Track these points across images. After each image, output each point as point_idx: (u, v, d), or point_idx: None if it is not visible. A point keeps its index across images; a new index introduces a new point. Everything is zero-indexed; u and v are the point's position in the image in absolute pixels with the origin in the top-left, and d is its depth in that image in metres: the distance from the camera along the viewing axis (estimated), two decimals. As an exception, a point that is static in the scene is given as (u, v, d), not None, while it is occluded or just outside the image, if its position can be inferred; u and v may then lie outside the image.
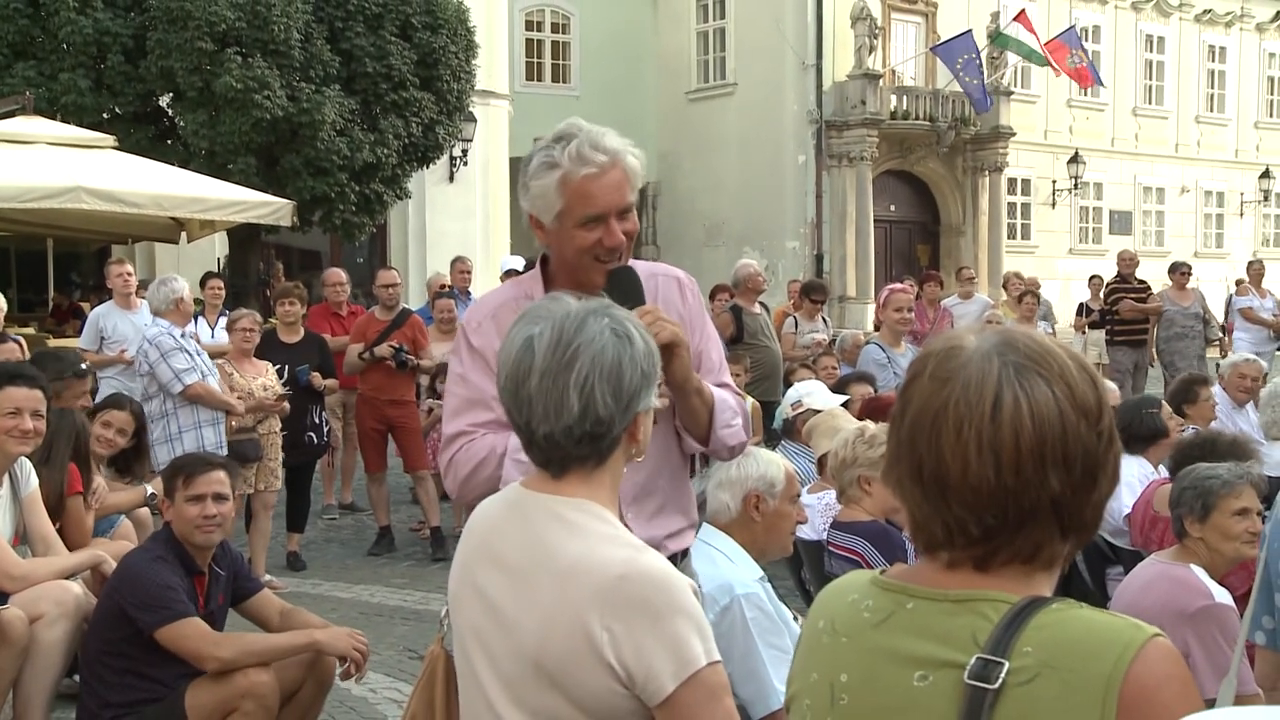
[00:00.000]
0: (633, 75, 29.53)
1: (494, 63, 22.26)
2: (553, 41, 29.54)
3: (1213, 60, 35.24)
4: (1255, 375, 7.85)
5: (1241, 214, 35.52)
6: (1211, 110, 35.23)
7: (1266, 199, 35.47)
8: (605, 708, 1.82)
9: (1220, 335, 14.71)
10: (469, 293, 11.63)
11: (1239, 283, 16.78)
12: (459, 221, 22.34)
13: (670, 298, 2.85)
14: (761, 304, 10.51)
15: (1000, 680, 1.35)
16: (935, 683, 1.41)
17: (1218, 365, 11.54)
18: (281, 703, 4.25)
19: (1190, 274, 14.54)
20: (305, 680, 4.37)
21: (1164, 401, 6.86)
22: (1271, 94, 36.38)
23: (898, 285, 8.86)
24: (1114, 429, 1.45)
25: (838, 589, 1.59)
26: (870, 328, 19.41)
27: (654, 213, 30.62)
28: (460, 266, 11.98)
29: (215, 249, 18.55)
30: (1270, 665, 2.38)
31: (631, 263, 2.76)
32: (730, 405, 2.84)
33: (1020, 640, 1.37)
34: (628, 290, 2.61)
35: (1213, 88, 35.32)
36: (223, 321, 9.56)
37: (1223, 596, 3.63)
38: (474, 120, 20.42)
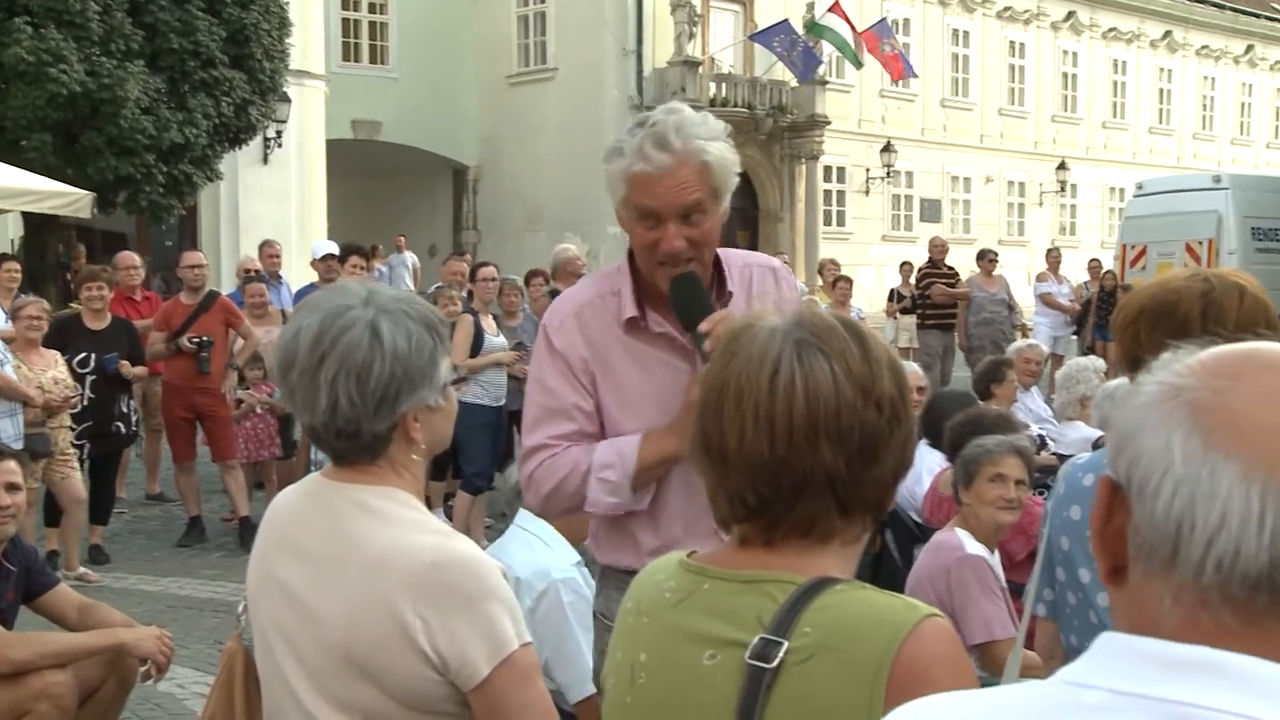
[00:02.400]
0: (452, 58, 29.19)
1: (309, 42, 21.72)
2: (370, 22, 28.96)
3: (1013, 55, 36.65)
4: (1038, 359, 8.48)
5: (1041, 203, 37.05)
6: (1013, 103, 36.64)
7: (1063, 189, 37.10)
8: (418, 695, 1.81)
9: (1024, 320, 15.30)
10: (280, 277, 11.35)
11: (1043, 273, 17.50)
12: (274, 204, 21.77)
13: (765, 288, 2.65)
14: (582, 288, 10.49)
15: (779, 659, 1.37)
16: (722, 662, 1.42)
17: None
18: (80, 701, 4.07)
19: (997, 260, 15.12)
20: (106, 679, 4.20)
21: (971, 390, 7.18)
22: (1066, 89, 38.01)
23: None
24: (901, 410, 1.46)
25: (650, 571, 1.61)
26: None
27: (475, 197, 30.40)
28: (269, 250, 11.67)
29: (9, 230, 17.70)
30: (1048, 636, 2.50)
31: (727, 253, 2.61)
32: None
33: (801, 620, 1.38)
34: (688, 302, 2.43)
35: (1014, 82, 36.74)
36: (18, 307, 9.11)
37: (974, 549, 3.81)
38: (288, 101, 19.89)
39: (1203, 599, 0.87)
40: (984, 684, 1.27)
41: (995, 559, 3.96)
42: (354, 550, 1.84)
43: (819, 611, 1.39)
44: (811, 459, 1.42)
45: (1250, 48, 42.42)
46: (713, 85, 28.11)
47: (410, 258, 21.10)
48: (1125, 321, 2.31)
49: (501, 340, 8.89)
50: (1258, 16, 42.30)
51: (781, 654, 1.37)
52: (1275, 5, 43.72)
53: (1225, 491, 0.85)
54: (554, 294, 9.86)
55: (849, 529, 1.48)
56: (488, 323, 8.92)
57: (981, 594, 3.76)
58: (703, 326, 2.36)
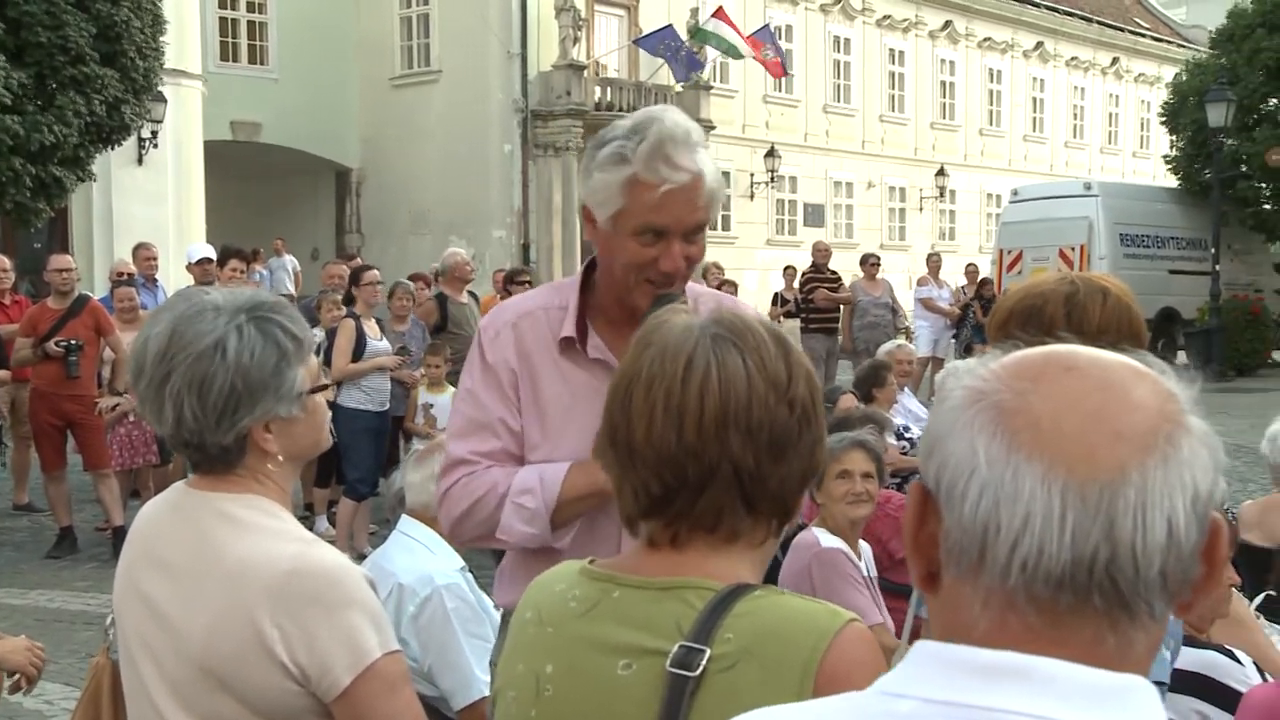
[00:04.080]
0: (334, 58, 28.77)
1: (185, 40, 21.21)
2: (249, 21, 28.40)
3: (893, 63, 37.30)
4: (909, 359, 8.87)
5: (921, 209, 37.74)
6: (893, 110, 37.29)
7: (942, 195, 37.84)
8: (279, 708, 1.77)
9: (907, 324, 15.54)
10: (156, 281, 11.07)
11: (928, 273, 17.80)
12: (149, 206, 21.20)
13: None
14: (471, 293, 10.43)
15: (701, 667, 1.36)
16: (639, 671, 1.40)
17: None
18: (-61, 721, 3.90)
19: (879, 265, 15.36)
20: (-32, 696, 4.02)
21: (853, 389, 7.30)
22: (944, 97, 38.81)
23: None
24: (812, 413, 1.47)
25: (546, 579, 1.58)
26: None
27: (358, 199, 30.00)
28: (145, 254, 11.38)
29: None
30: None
31: (693, 286, 2.41)
32: None
33: (722, 627, 1.37)
34: None
35: (894, 89, 37.38)
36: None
37: (829, 542, 3.89)
38: (164, 100, 19.42)
39: (1010, 601, 0.88)
40: None
41: (866, 551, 4.01)
42: (213, 560, 1.81)
43: (740, 618, 1.37)
44: (719, 450, 1.41)
45: (1116, 60, 43.76)
46: (598, 89, 28.12)
47: (291, 261, 20.77)
48: (996, 324, 2.36)
49: (384, 344, 8.77)
50: (1122, 30, 43.69)
51: (704, 661, 1.35)
52: (1139, 21, 45.19)
53: (1028, 493, 0.86)
54: (440, 298, 9.79)
55: (755, 530, 1.47)
56: (370, 327, 8.79)
57: (844, 585, 3.82)
58: None
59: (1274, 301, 23.05)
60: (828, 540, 3.93)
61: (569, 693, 1.45)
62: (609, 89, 28.39)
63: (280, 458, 1.88)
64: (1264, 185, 24.10)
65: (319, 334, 9.11)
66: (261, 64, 28.46)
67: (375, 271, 9.53)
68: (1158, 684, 2.14)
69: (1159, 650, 0.92)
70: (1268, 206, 24.54)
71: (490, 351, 2.34)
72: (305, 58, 28.02)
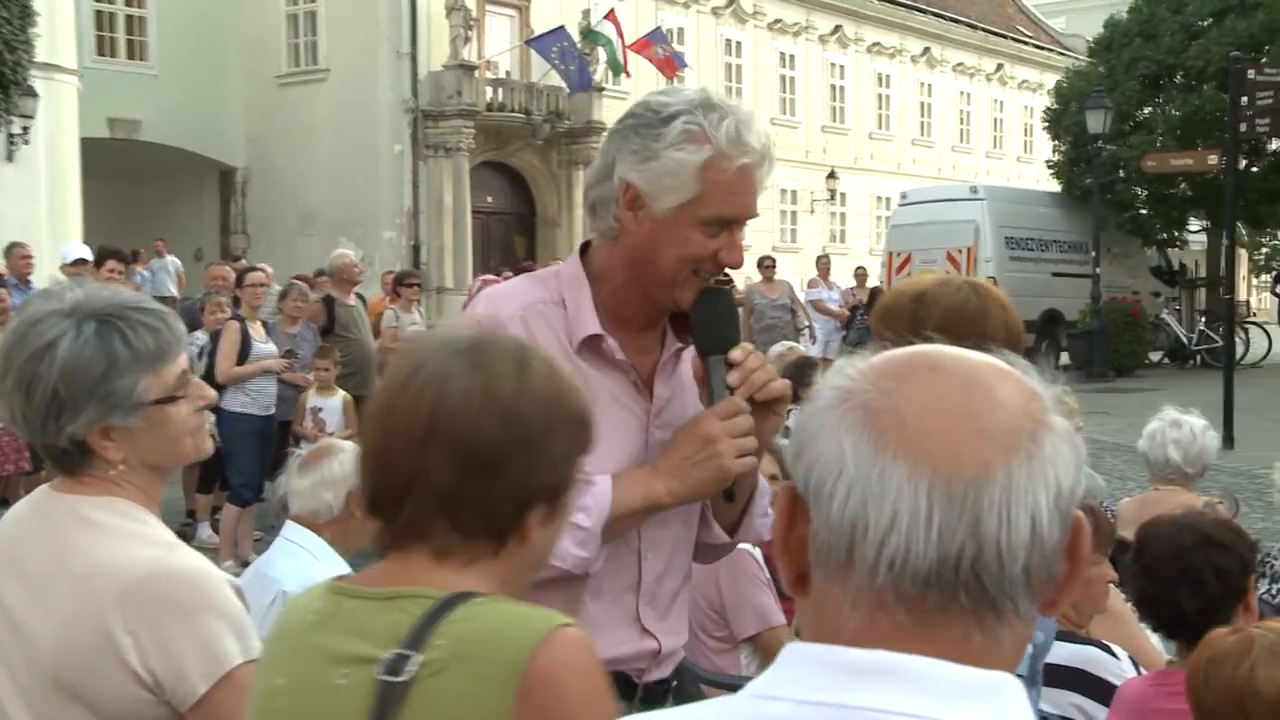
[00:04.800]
0: (217, 55, 28.20)
1: (58, 34, 20.61)
2: (127, 15, 27.74)
3: (784, 66, 37.70)
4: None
5: (812, 211, 38.18)
6: (784, 113, 37.67)
7: (833, 198, 38.32)
8: (132, 718, 1.73)
9: (807, 324, 15.67)
10: (29, 281, 10.76)
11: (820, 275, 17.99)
12: (20, 205, 20.54)
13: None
14: (359, 295, 10.30)
15: (410, 674, 1.35)
16: (354, 680, 1.38)
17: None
18: None
19: (775, 267, 15.48)
20: None
21: None
22: (834, 101, 39.32)
23: (490, 276, 8.92)
24: (538, 437, 1.43)
25: (301, 596, 1.57)
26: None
27: (244, 199, 29.46)
28: (20, 253, 11.05)
29: None
30: None
31: None
32: (765, 487, 2.23)
33: (435, 633, 1.36)
34: (722, 319, 2.04)
35: (785, 92, 37.78)
36: None
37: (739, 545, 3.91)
38: (35, 95, 18.86)
39: (879, 600, 0.89)
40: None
41: (757, 554, 4.04)
42: (67, 565, 1.76)
43: (454, 624, 1.37)
44: (420, 462, 1.40)
45: (1000, 66, 44.75)
46: (489, 90, 27.98)
47: (173, 262, 20.34)
48: (875, 324, 2.40)
49: (270, 347, 8.62)
50: (1005, 38, 44.70)
51: (413, 667, 1.34)
52: (1021, 29, 46.26)
53: (895, 491, 0.87)
54: (328, 300, 9.65)
55: (466, 547, 1.44)
56: (255, 329, 8.64)
57: (750, 586, 3.84)
58: (735, 354, 1.99)
59: (1151, 304, 23.74)
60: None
61: (294, 704, 1.45)
62: (500, 89, 28.27)
63: (122, 466, 1.83)
64: (1140, 190, 24.84)
65: (202, 336, 8.93)
66: (141, 60, 27.80)
67: (260, 273, 9.38)
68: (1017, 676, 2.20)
69: (1023, 647, 0.94)
70: (1144, 211, 25.28)
71: None
72: (187, 54, 27.43)
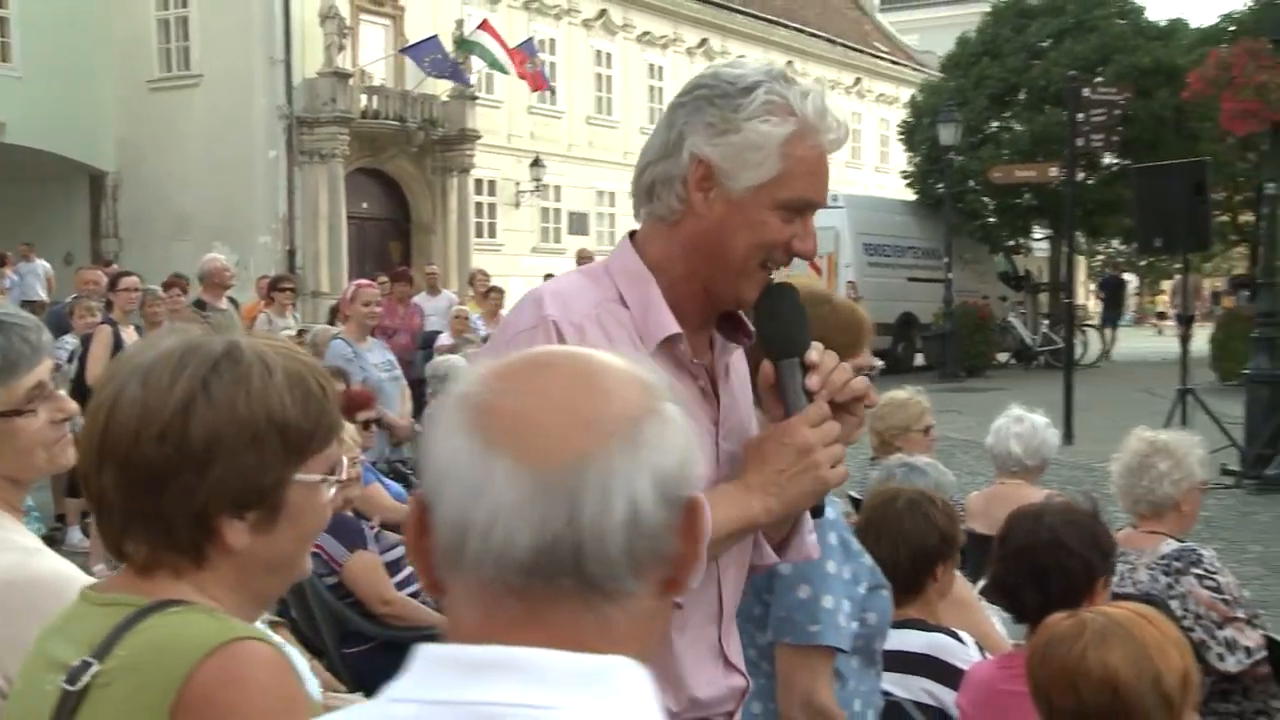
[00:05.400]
0: (86, 58, 27.27)
1: (-81, 35, 19.82)
2: (-11, 17, 26.74)
3: (653, 77, 37.89)
4: None
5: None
6: (653, 123, 37.41)
7: (701, 205, 38.59)
8: None
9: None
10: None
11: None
12: (-118, 209, 19.75)
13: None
14: (230, 299, 10.10)
15: (83, 683, 1.29)
16: (54, 686, 1.34)
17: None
18: None
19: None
20: None
21: None
22: (652, 102, 39.59)
23: (365, 281, 8.81)
24: (201, 457, 1.36)
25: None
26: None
27: (115, 204, 28.56)
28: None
29: None
30: None
31: None
32: None
33: (121, 643, 1.31)
34: (793, 318, 1.78)
35: (654, 102, 37.95)
36: None
37: None
38: (-105, 97, 18.12)
39: (491, 594, 0.90)
40: None
41: None
42: None
43: (138, 633, 1.31)
44: (98, 481, 1.38)
45: (858, 80, 45.58)
46: (364, 97, 27.59)
47: (43, 266, 19.67)
48: None
49: (143, 352, 8.39)
50: (863, 53, 45.57)
51: (87, 677, 1.29)
52: (878, 45, 47.21)
53: (500, 485, 0.89)
54: (199, 304, 9.43)
55: (165, 562, 1.39)
56: (128, 333, 8.42)
57: None
58: (813, 356, 1.75)
59: (999, 307, 24.40)
60: None
61: (16, 706, 1.42)
62: (375, 97, 27.90)
63: None
64: (988, 200, 25.53)
65: (71, 341, 8.67)
66: (3, 61, 26.79)
67: (134, 278, 9.15)
68: (838, 650, 2.24)
69: (648, 626, 0.95)
70: (992, 220, 25.99)
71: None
72: (53, 57, 26.48)
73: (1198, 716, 2.14)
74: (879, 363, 2.47)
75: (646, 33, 37.13)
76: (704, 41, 39.11)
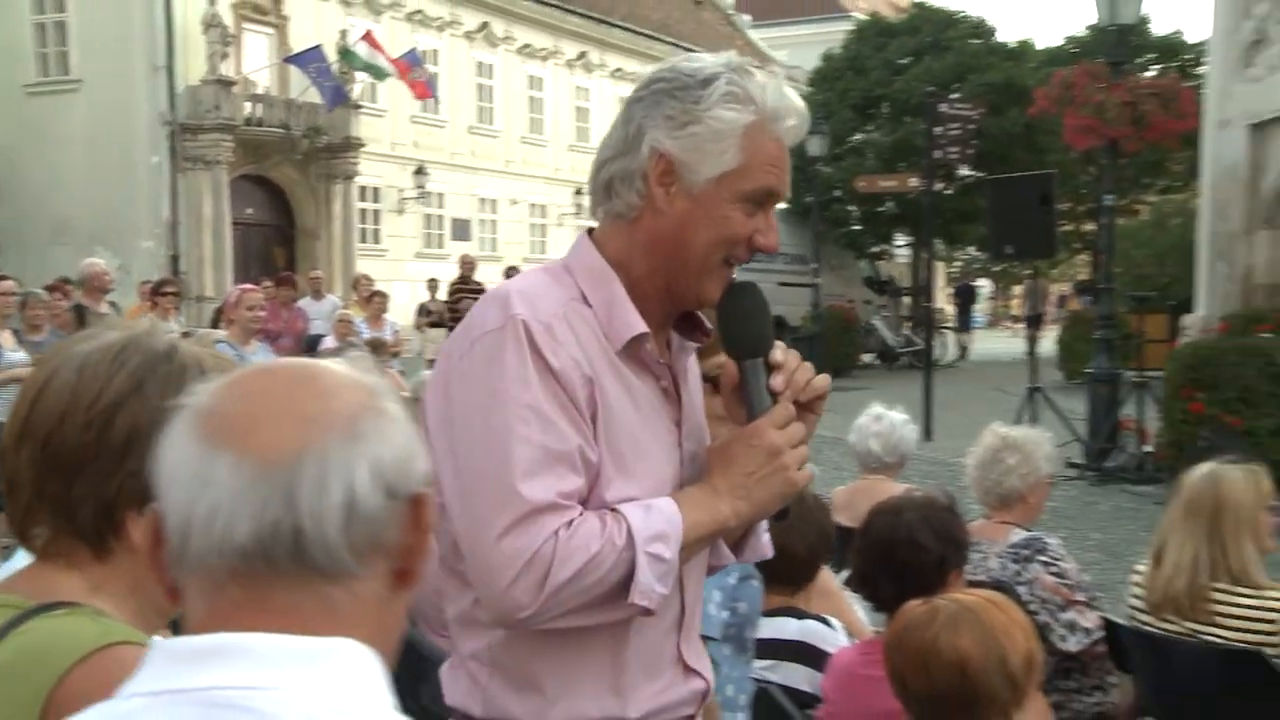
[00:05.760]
0: (-38, 63, 26.29)
1: None
2: None
3: (533, 89, 37.79)
4: None
5: (561, 224, 38.39)
6: (533, 132, 37.76)
7: (580, 213, 38.64)
8: None
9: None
10: None
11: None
12: None
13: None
14: (111, 303, 9.82)
15: None
16: None
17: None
18: None
19: (519, 276, 15.55)
20: None
21: None
22: (579, 122, 39.66)
23: (248, 285, 8.65)
24: (124, 443, 1.32)
25: None
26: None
27: (-8, 209, 27.55)
28: None
29: None
30: None
31: None
32: None
33: (1, 646, 1.25)
34: (757, 316, 1.71)
35: (533, 113, 37.88)
36: None
37: None
38: None
39: (216, 584, 0.92)
40: None
41: None
42: None
43: (18, 636, 1.26)
44: (14, 460, 1.35)
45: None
46: (248, 105, 27.01)
47: (-82, 272, 18.84)
48: None
49: (22, 355, 8.11)
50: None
51: None
52: (749, 59, 47.67)
53: (221, 479, 0.90)
54: (78, 308, 9.14)
55: (63, 550, 1.35)
56: (5, 337, 8.12)
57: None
58: (777, 356, 1.68)
59: (863, 310, 24.84)
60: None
61: None
62: (259, 104, 27.33)
63: None
64: (853, 209, 25.98)
65: (-53, 347, 8.33)
66: (-121, 65, 25.67)
67: (11, 282, 8.84)
68: (706, 638, 2.27)
69: (379, 612, 0.97)
70: (857, 227, 26.45)
71: (551, 351, 1.56)
72: (-72, 60, 25.47)
73: (1041, 694, 2.20)
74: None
75: (527, 45, 37.00)
76: (583, 54, 39.12)
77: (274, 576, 0.91)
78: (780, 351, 1.68)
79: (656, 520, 1.57)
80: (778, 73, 1.70)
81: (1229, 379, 9.70)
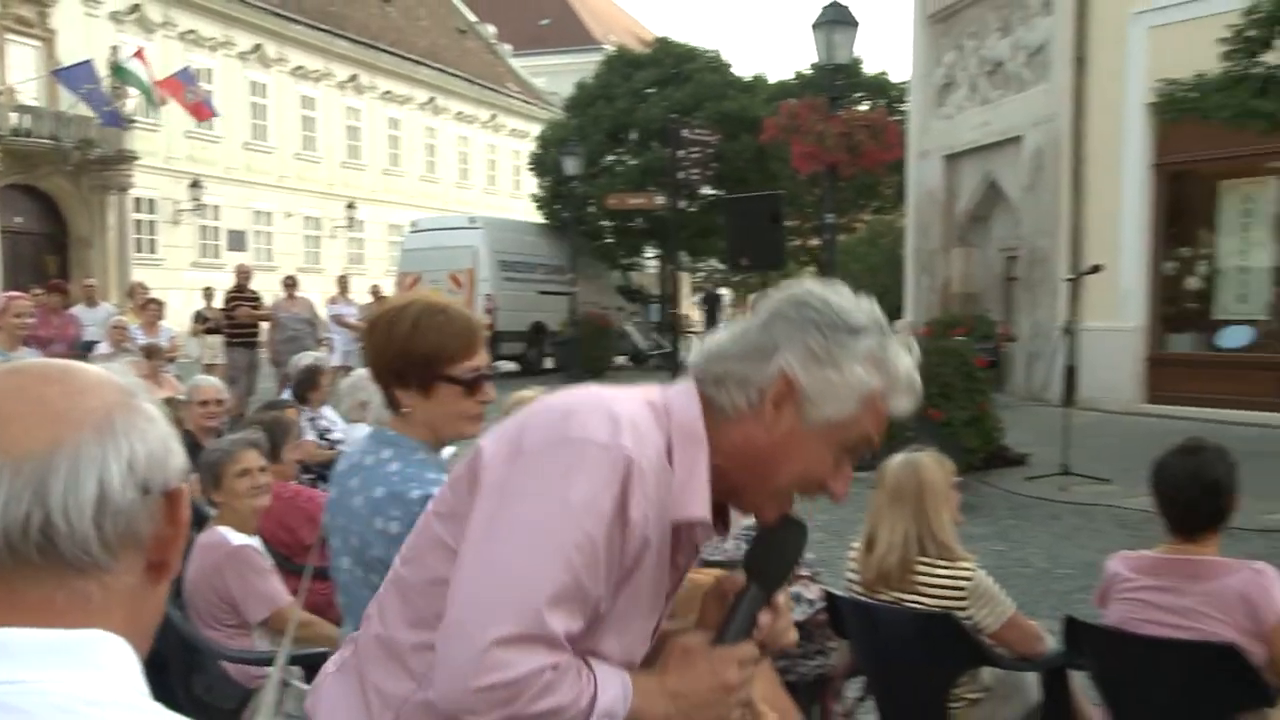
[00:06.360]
0: None
1: None
2: None
3: (306, 108, 36.61)
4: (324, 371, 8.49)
5: (334, 236, 37.35)
6: (306, 149, 36.58)
7: (352, 225, 37.70)
8: None
9: (326, 335, 15.30)
10: None
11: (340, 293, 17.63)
12: None
13: None
14: None
15: None
16: None
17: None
18: None
19: (297, 285, 15.03)
20: None
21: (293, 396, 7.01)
22: (351, 140, 38.70)
23: (16, 293, 8.02)
24: None
25: None
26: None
27: None
28: None
29: None
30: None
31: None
32: None
33: None
34: (791, 554, 1.60)
35: (307, 130, 36.71)
36: None
37: (238, 540, 3.72)
38: None
39: None
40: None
41: (256, 540, 3.87)
42: None
43: None
44: None
45: (494, 115, 45.88)
46: (14, 116, 25.11)
47: None
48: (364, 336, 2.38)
49: None
50: (498, 92, 45.89)
51: None
52: (510, 85, 47.67)
53: None
54: None
55: None
56: None
57: (256, 577, 3.68)
58: (781, 599, 1.61)
59: (617, 317, 25.14)
60: (236, 538, 3.75)
61: None
62: (26, 116, 25.45)
63: None
64: (606, 223, 26.28)
65: None
66: None
67: None
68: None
69: (134, 605, 0.93)
70: (610, 240, 26.76)
71: (636, 502, 1.43)
72: None
73: (769, 658, 2.26)
74: (497, 364, 2.48)
75: (300, 67, 35.83)
76: (354, 77, 38.17)
77: (25, 571, 0.86)
78: (784, 597, 1.61)
79: (615, 695, 1.47)
80: (914, 348, 1.58)
81: (931, 377, 10.06)
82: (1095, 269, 11.17)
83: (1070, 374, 11.67)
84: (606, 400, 1.49)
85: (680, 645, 1.56)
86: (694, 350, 1.59)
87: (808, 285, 1.59)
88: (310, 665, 2.87)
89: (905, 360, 1.54)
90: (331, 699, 1.62)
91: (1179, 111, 9.22)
